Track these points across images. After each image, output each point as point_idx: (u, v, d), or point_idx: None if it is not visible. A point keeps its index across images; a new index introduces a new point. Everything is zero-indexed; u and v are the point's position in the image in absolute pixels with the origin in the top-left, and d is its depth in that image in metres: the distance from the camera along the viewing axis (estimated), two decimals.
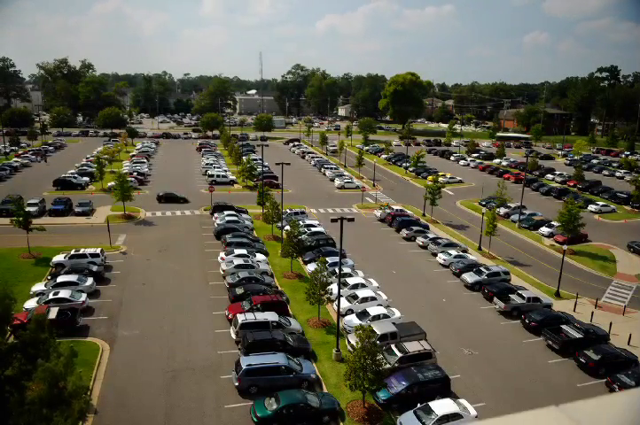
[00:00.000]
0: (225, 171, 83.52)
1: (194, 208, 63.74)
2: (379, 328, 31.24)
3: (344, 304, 36.17)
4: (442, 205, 67.14)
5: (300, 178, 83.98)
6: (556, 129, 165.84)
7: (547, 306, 39.51)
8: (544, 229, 60.03)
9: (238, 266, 41.67)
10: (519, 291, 40.32)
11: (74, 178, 73.56)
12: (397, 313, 35.66)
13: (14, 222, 44.35)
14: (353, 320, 34.67)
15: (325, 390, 27.86)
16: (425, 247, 52.50)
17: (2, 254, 45.14)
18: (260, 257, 45.31)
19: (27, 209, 48.46)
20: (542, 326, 35.65)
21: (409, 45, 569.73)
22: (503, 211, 65.92)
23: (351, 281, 40.13)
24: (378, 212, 63.50)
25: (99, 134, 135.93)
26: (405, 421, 25.01)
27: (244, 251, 44.61)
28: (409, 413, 25.34)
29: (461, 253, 49.01)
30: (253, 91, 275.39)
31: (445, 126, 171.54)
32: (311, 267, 42.01)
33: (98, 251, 43.34)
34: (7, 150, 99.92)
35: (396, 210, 63.65)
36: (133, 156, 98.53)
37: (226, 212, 56.61)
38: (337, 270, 37.53)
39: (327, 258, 38.24)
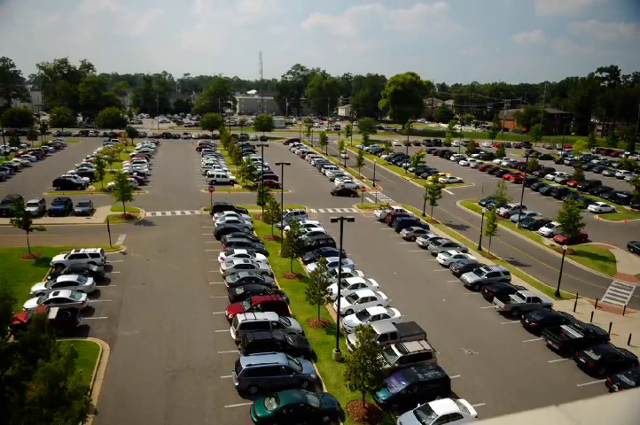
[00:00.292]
0: (225, 171, 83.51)
1: (194, 208, 63.76)
2: (379, 328, 31.25)
3: (344, 304, 36.17)
4: (442, 205, 67.15)
5: (300, 178, 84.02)
6: (556, 129, 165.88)
7: (547, 306, 39.51)
8: (544, 229, 60.05)
9: (238, 266, 41.67)
10: (519, 291, 40.32)
11: (74, 178, 73.56)
12: (397, 313, 35.67)
13: (14, 222, 44.35)
14: (353, 320, 34.67)
15: (325, 390, 27.86)
16: (425, 247, 52.51)
17: (2, 254, 45.15)
18: (260, 257, 45.31)
19: (27, 209, 48.46)
20: (542, 326, 35.65)
21: (409, 45, 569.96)
22: (503, 211, 65.94)
23: (351, 281, 40.13)
24: (378, 212, 63.52)
25: (99, 134, 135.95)
26: (405, 421, 25.01)
27: (244, 251, 44.61)
28: (409, 413, 25.34)
29: (461, 253, 49.01)
30: (253, 91, 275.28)
31: (445, 126, 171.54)
32: (311, 267, 42.01)
33: (98, 251, 43.35)
34: (7, 150, 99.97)
35: (396, 210, 63.65)
36: (133, 156, 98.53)
37: (226, 212, 56.61)
38: (337, 270, 37.54)
39: (327, 258, 38.22)
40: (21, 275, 40.59)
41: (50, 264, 42.46)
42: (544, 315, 36.80)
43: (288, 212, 58.76)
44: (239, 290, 37.28)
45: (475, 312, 39.38)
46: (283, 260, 46.49)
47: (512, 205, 66.55)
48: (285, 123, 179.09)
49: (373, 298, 37.53)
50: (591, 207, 71.58)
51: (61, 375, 18.28)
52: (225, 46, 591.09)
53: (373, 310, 35.19)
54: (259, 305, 34.32)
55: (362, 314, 35.00)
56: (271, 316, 32.77)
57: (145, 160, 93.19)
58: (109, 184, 67.91)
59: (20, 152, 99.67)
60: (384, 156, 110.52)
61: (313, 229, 52.85)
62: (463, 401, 26.47)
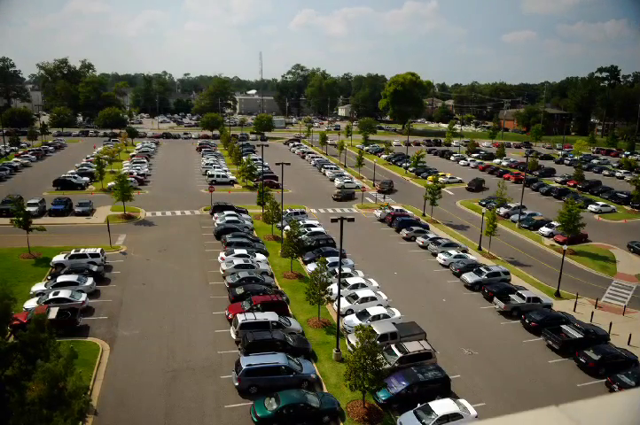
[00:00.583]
0: (225, 171, 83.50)
1: (194, 208, 63.76)
2: (379, 328, 31.24)
3: (344, 304, 36.17)
4: (442, 205, 67.14)
5: (300, 178, 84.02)
6: (556, 129, 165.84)
7: (547, 306, 39.50)
8: (544, 229, 60.04)
9: (238, 266, 41.68)
10: (519, 291, 40.31)
11: (74, 178, 73.56)
12: (397, 313, 35.66)
13: (14, 222, 44.35)
14: (353, 320, 34.66)
15: (325, 390, 27.86)
16: (425, 247, 52.51)
17: (2, 254, 45.15)
18: (260, 257, 45.31)
19: (27, 209, 48.44)
20: (542, 326, 35.65)
21: (410, 46, 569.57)
22: (503, 211, 65.94)
23: (351, 281, 40.13)
24: (378, 212, 63.52)
25: (99, 134, 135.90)
26: (405, 421, 25.01)
27: (244, 251, 44.61)
28: (409, 413, 25.34)
29: (461, 253, 49.00)
30: (253, 91, 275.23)
31: (445, 126, 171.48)
32: (311, 267, 42.02)
33: (98, 251, 43.35)
34: (7, 151, 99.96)
35: (396, 210, 63.67)
36: (133, 156, 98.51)
37: (226, 212, 56.61)
38: (337, 270, 37.54)
39: (327, 258, 38.19)
40: (21, 275, 40.60)
41: (50, 264, 42.47)
42: (544, 315, 36.80)
43: (288, 212, 58.76)
44: (239, 290, 37.28)
45: (475, 312, 39.38)
46: (283, 260, 46.49)
47: (512, 205, 66.57)
48: (285, 123, 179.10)
49: (373, 298, 37.53)
50: (591, 207, 71.56)
51: (61, 375, 18.28)
52: (225, 46, 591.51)
53: (373, 310, 35.18)
54: (259, 305, 34.31)
55: (362, 314, 35.00)
56: (271, 316, 32.77)
57: (145, 160, 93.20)
58: (109, 184, 67.93)
59: (20, 152, 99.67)
60: (384, 156, 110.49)
61: (313, 229, 52.86)
62: (463, 401, 26.46)
